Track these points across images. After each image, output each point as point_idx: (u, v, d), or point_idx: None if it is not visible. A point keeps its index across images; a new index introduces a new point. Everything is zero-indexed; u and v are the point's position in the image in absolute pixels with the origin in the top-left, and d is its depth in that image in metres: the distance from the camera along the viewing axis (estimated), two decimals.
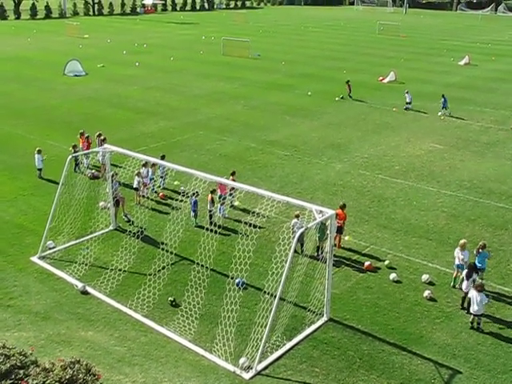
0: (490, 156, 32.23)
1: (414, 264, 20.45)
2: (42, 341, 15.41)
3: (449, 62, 65.32)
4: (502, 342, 16.31)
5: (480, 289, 16.49)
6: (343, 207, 21.26)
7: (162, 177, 26.07)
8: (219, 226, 21.12)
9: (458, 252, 18.76)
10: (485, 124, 38.80)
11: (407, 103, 42.19)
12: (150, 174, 25.30)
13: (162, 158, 24.85)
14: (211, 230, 19.05)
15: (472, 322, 16.84)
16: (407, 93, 42.47)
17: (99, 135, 29.06)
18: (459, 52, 70.26)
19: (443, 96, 40.62)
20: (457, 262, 18.74)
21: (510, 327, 16.91)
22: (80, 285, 18.40)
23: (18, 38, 79.66)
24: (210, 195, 22.67)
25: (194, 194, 22.08)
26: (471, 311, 16.69)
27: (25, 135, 34.29)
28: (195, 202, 22.77)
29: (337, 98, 45.19)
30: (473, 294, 16.53)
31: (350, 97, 45.35)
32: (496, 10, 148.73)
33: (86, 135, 28.94)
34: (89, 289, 18.35)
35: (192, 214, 22.98)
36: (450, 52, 71.97)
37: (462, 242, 18.95)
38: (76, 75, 52.92)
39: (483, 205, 25.55)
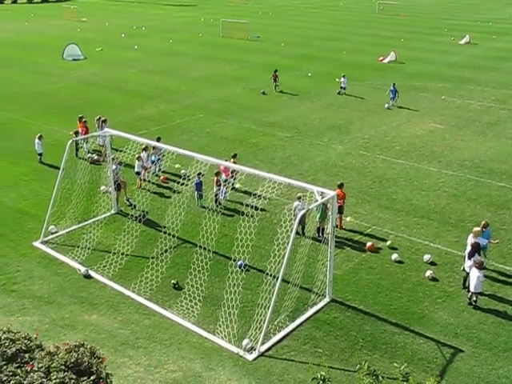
0: (491, 135, 32.11)
1: (415, 244, 20.49)
2: (47, 325, 15.56)
3: (449, 41, 64.83)
4: (504, 320, 16.38)
5: (479, 266, 16.51)
6: (341, 186, 21.22)
7: (159, 159, 25.71)
8: (221, 209, 21.17)
9: (470, 239, 17.77)
10: (486, 103, 38.61)
11: (341, 88, 40.57)
12: (151, 157, 25.24)
13: (158, 140, 24.71)
14: (218, 212, 19.04)
15: (470, 298, 16.97)
16: (343, 77, 40.61)
17: (99, 118, 28.99)
18: (459, 31, 69.70)
19: (393, 85, 37.57)
20: (469, 248, 17.67)
21: (511, 306, 17.03)
22: (83, 269, 18.46)
23: (16, 22, 79.06)
24: (215, 178, 22.67)
25: (198, 174, 22.09)
26: (470, 288, 16.76)
27: (24, 120, 34.18)
28: (200, 183, 22.76)
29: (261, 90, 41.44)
30: (472, 271, 16.61)
31: (276, 88, 41.37)
32: None
33: (84, 120, 28.82)
34: (92, 273, 18.42)
35: (196, 194, 22.97)
36: (451, 31, 71.37)
37: (476, 229, 17.88)
38: (75, 59, 52.61)
39: (484, 184, 25.53)
